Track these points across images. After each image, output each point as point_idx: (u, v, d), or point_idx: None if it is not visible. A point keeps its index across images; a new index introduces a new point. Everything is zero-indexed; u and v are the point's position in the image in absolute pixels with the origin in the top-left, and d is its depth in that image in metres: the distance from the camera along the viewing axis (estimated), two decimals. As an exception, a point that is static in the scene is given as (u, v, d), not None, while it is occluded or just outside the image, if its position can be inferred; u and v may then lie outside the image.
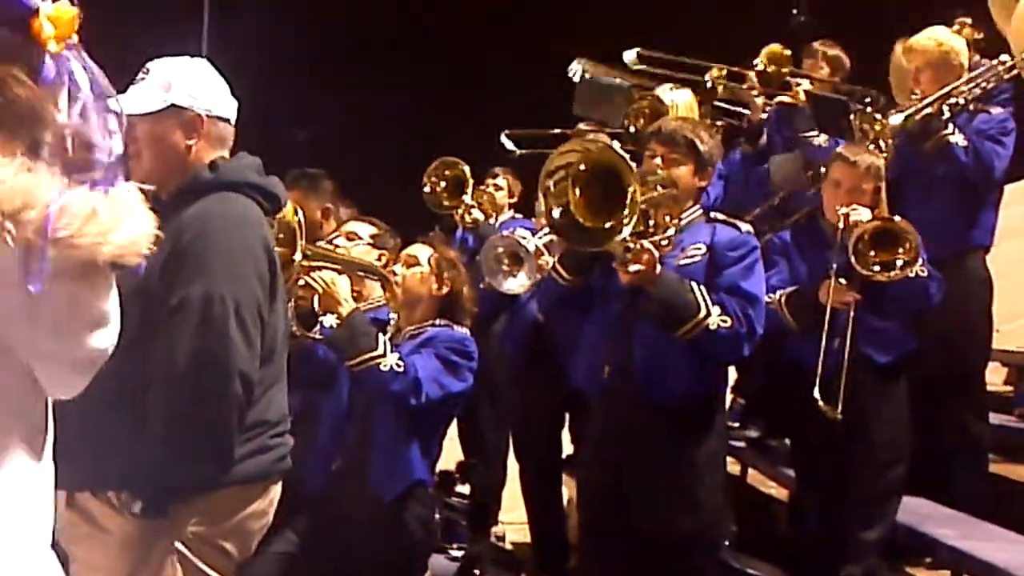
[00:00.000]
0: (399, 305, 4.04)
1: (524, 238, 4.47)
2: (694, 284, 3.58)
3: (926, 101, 4.70)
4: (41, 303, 1.41)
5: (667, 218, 3.67)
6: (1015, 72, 4.80)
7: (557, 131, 6.22)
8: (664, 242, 3.61)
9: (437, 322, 4.04)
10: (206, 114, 2.77)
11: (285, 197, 2.99)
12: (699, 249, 3.71)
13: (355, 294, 4.02)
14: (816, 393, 4.08)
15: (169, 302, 2.59)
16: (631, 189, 3.33)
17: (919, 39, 4.88)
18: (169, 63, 2.80)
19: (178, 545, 2.63)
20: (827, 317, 4.14)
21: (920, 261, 4.10)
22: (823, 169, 4.60)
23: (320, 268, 3.89)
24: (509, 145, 6.24)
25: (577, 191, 3.43)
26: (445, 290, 4.07)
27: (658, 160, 3.75)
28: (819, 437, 4.33)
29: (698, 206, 3.84)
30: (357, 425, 3.92)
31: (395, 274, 4.06)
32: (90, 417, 2.21)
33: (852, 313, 4.16)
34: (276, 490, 2.83)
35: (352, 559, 3.81)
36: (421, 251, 4.13)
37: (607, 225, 3.41)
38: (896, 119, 4.65)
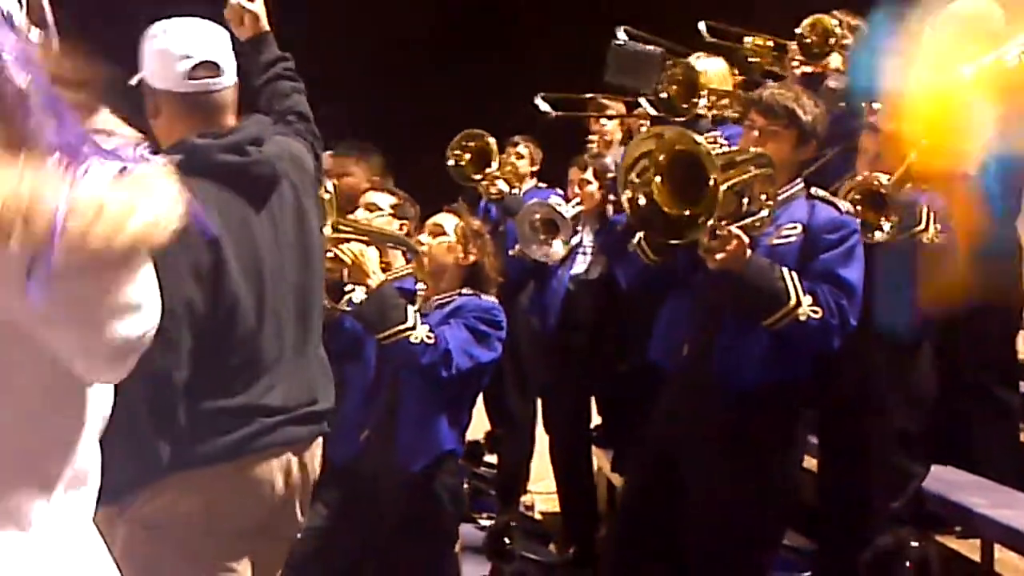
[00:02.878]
0: (426, 275, 4.04)
1: (560, 205, 4.46)
2: (785, 271, 3.39)
3: None
4: (54, 303, 1.32)
5: (763, 197, 3.43)
6: None
7: (589, 95, 6.18)
8: (757, 223, 3.42)
9: (464, 291, 4.04)
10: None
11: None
12: (794, 229, 3.52)
13: (384, 263, 4.02)
14: None
15: None
16: (712, 178, 3.15)
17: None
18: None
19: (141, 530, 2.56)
20: None
21: (939, 227, 4.03)
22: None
23: (348, 240, 3.89)
24: (544, 107, 6.20)
25: (659, 180, 3.27)
26: (471, 259, 4.06)
27: (755, 133, 3.57)
28: (842, 407, 4.30)
29: (800, 180, 3.65)
30: (385, 396, 3.93)
31: (421, 244, 4.05)
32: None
33: None
34: (273, 464, 2.71)
35: (382, 530, 3.83)
36: (447, 220, 4.12)
37: (690, 214, 3.24)
38: None
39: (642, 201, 3.31)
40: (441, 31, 10.87)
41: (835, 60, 5.55)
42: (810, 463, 5.35)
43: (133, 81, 2.66)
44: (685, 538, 3.59)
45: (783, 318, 3.37)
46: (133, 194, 1.35)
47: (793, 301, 3.35)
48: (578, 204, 5.26)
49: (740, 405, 3.48)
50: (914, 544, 3.99)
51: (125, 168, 1.37)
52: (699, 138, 3.34)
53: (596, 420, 5.89)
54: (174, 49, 2.66)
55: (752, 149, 3.54)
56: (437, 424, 3.86)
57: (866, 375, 4.17)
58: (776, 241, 3.51)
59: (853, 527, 4.26)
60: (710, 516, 3.53)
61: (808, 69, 5.52)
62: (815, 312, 3.36)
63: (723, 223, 3.30)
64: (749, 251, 3.35)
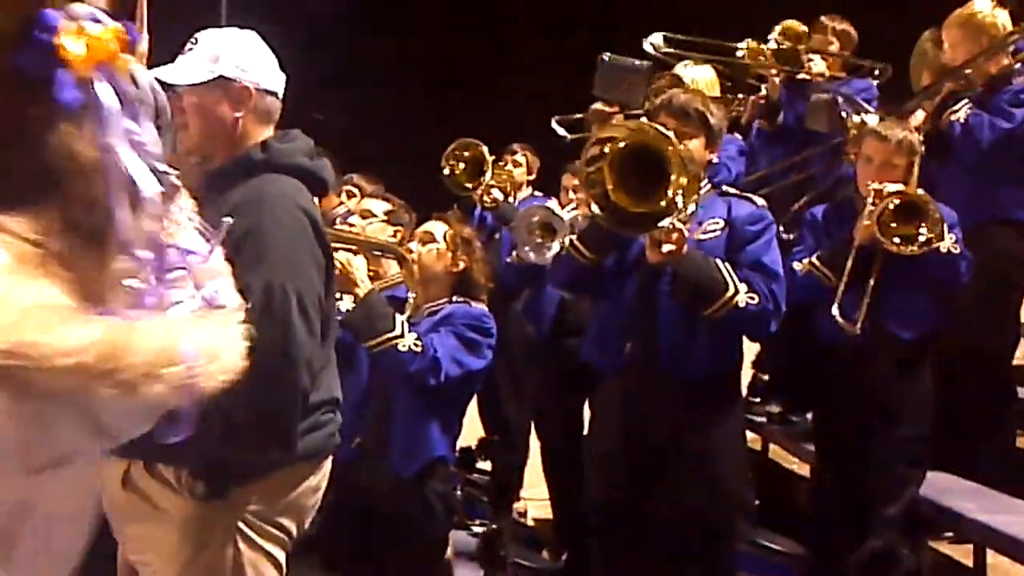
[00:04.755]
0: (416, 283, 4.05)
1: (558, 209, 4.47)
2: (719, 262, 3.56)
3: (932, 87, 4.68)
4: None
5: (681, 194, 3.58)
6: None
7: (597, 106, 6.19)
8: (684, 220, 3.55)
9: (454, 299, 4.05)
10: (254, 87, 2.73)
11: (332, 181, 2.99)
12: (717, 224, 3.69)
13: (372, 273, 4.03)
14: (835, 309, 4.07)
15: None
16: (675, 170, 3.32)
17: (957, 13, 4.82)
18: (218, 34, 2.78)
19: (239, 524, 2.65)
20: (854, 248, 4.11)
21: (954, 238, 4.08)
22: (844, 113, 4.59)
23: (336, 250, 3.90)
24: (561, 132, 6.22)
25: (615, 176, 3.41)
26: (461, 266, 4.07)
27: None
28: (842, 412, 4.33)
29: (708, 180, 3.81)
30: (377, 403, 3.94)
31: (411, 251, 4.06)
32: None
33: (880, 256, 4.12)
34: (327, 465, 2.86)
35: (374, 536, 3.84)
36: (436, 228, 4.13)
37: (650, 208, 3.39)
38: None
39: (596, 199, 3.44)
40: (441, 40, 10.89)
41: (819, 66, 5.59)
42: (803, 469, 5.38)
43: (206, 78, 2.70)
44: (653, 535, 3.66)
45: (723, 307, 3.53)
46: (221, 342, 1.35)
47: (732, 290, 3.53)
48: (574, 208, 5.27)
49: (687, 397, 3.60)
50: (906, 549, 4.01)
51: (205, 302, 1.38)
52: (664, 131, 3.44)
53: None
54: (270, 54, 2.78)
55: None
56: (428, 431, 3.87)
57: (870, 382, 4.18)
58: (701, 236, 3.67)
59: (847, 533, 4.27)
60: (673, 509, 3.62)
61: (801, 76, 5.55)
62: (752, 298, 3.54)
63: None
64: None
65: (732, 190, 3.87)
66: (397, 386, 3.86)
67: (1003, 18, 4.76)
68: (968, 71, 4.69)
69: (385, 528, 3.84)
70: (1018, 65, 4.77)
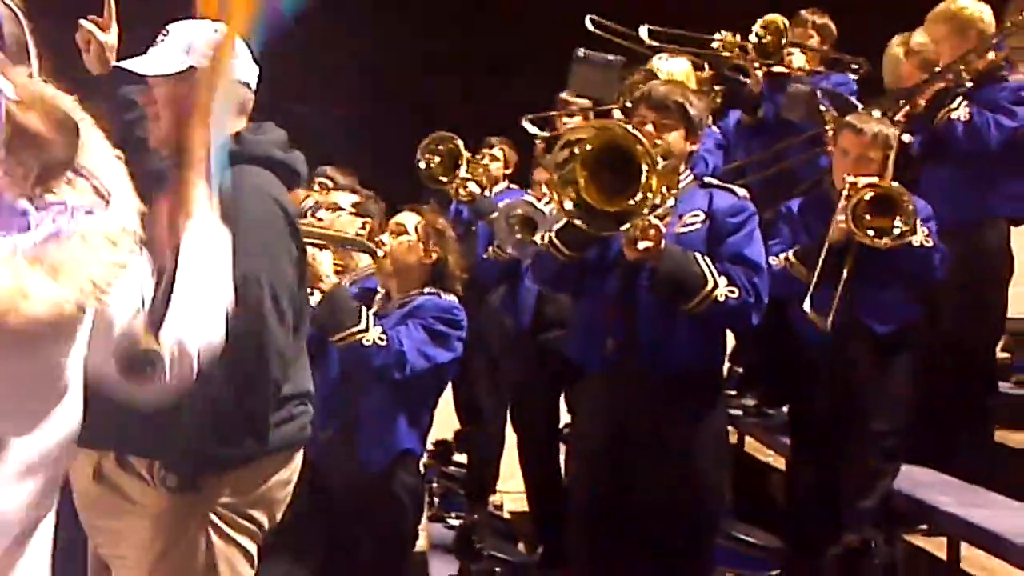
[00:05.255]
0: (388, 275, 4.02)
1: (538, 202, 4.45)
2: (698, 256, 3.53)
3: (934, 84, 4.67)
4: None
5: (665, 188, 3.56)
6: None
7: (563, 95, 6.17)
8: (663, 214, 3.53)
9: (425, 291, 4.02)
10: None
11: (305, 173, 2.97)
12: (697, 216, 3.65)
13: (341, 266, 4.00)
14: (807, 304, 4.05)
15: None
16: (644, 167, 3.30)
17: (940, 8, 4.81)
18: (190, 25, 2.75)
19: (211, 516, 2.64)
20: (826, 247, 4.10)
21: (927, 231, 4.08)
22: (823, 106, 4.58)
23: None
24: (532, 130, 6.22)
25: (587, 176, 3.39)
26: (434, 258, 4.04)
27: (649, 127, 3.65)
28: (817, 405, 4.33)
29: (689, 172, 3.79)
30: (346, 396, 3.91)
31: (383, 244, 4.03)
32: None
33: (854, 250, 4.11)
34: (299, 458, 2.85)
35: (342, 529, 3.82)
36: (408, 219, 4.11)
37: (622, 206, 3.37)
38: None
39: (568, 200, 3.41)
40: (426, 34, 10.86)
41: (799, 59, 5.59)
42: (779, 462, 5.39)
43: (179, 68, 2.67)
44: (635, 529, 3.64)
45: (703, 301, 3.50)
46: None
47: (711, 284, 3.49)
48: (549, 202, 5.25)
49: (668, 392, 3.58)
50: (881, 542, 4.02)
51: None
52: (632, 129, 3.44)
53: (565, 419, 5.87)
54: (243, 46, 2.70)
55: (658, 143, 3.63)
56: (396, 425, 3.86)
57: (845, 375, 4.18)
58: (682, 229, 3.63)
59: (822, 526, 4.28)
60: (655, 504, 3.60)
61: (780, 69, 5.55)
62: (732, 292, 3.51)
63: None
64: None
65: (714, 181, 3.84)
66: (364, 380, 3.84)
67: (987, 12, 4.77)
68: (962, 68, 4.68)
69: (353, 521, 3.82)
70: (1004, 60, 4.78)
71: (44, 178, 1.37)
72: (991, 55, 4.76)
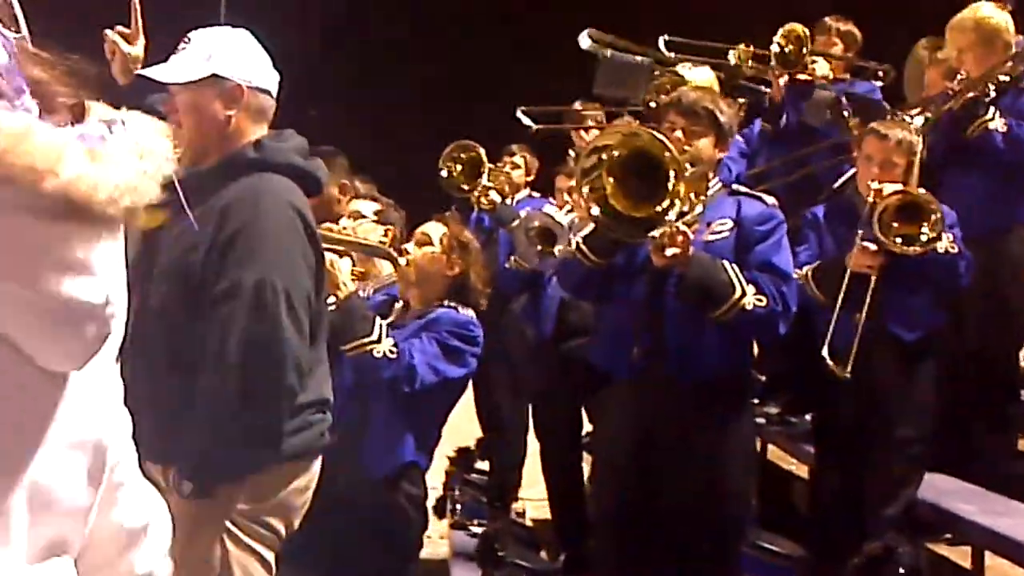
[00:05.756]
0: (409, 284, 4.01)
1: (555, 213, 4.44)
2: (726, 264, 3.51)
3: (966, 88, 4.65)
4: None
5: (693, 195, 3.57)
6: None
7: (576, 106, 6.19)
8: (691, 221, 3.53)
9: (444, 304, 3.99)
10: (247, 85, 2.74)
11: (327, 180, 2.99)
12: (725, 224, 3.65)
13: (362, 274, 3.98)
14: (824, 352, 4.06)
15: (218, 286, 2.60)
16: (672, 173, 3.29)
17: (964, 16, 4.80)
18: (211, 32, 2.78)
19: (226, 523, 2.66)
20: (846, 280, 4.09)
21: (951, 238, 4.08)
22: (846, 113, 4.57)
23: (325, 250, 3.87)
24: (526, 121, 6.21)
25: (614, 182, 3.39)
26: (456, 271, 4.02)
27: (678, 133, 3.65)
28: (841, 413, 4.32)
29: (718, 179, 3.78)
30: (354, 405, 3.89)
31: (407, 252, 4.02)
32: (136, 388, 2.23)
33: (874, 278, 4.10)
34: (317, 465, 2.87)
35: (345, 538, 3.79)
36: (434, 230, 4.08)
37: (649, 213, 3.36)
38: (918, 121, 4.58)
39: (595, 205, 3.41)
40: (440, 37, 10.89)
41: (823, 68, 5.58)
42: (802, 470, 5.38)
43: (200, 76, 2.71)
44: (662, 536, 3.64)
45: (731, 309, 3.48)
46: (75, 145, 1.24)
47: (739, 292, 3.48)
48: (571, 211, 5.26)
49: (696, 399, 3.57)
50: (904, 550, 4.01)
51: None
52: (659, 135, 3.42)
53: (588, 427, 5.88)
54: (263, 53, 2.78)
55: (687, 149, 3.63)
56: (403, 437, 3.82)
57: (870, 382, 4.18)
58: (710, 237, 3.62)
59: (847, 533, 4.27)
60: (681, 510, 3.60)
61: (803, 76, 5.55)
62: (760, 300, 3.49)
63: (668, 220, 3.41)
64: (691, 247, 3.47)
65: (743, 189, 3.83)
66: (373, 390, 3.81)
67: (1010, 22, 4.77)
68: (987, 78, 4.67)
69: (355, 530, 3.79)
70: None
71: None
72: (1009, 64, 4.75)
